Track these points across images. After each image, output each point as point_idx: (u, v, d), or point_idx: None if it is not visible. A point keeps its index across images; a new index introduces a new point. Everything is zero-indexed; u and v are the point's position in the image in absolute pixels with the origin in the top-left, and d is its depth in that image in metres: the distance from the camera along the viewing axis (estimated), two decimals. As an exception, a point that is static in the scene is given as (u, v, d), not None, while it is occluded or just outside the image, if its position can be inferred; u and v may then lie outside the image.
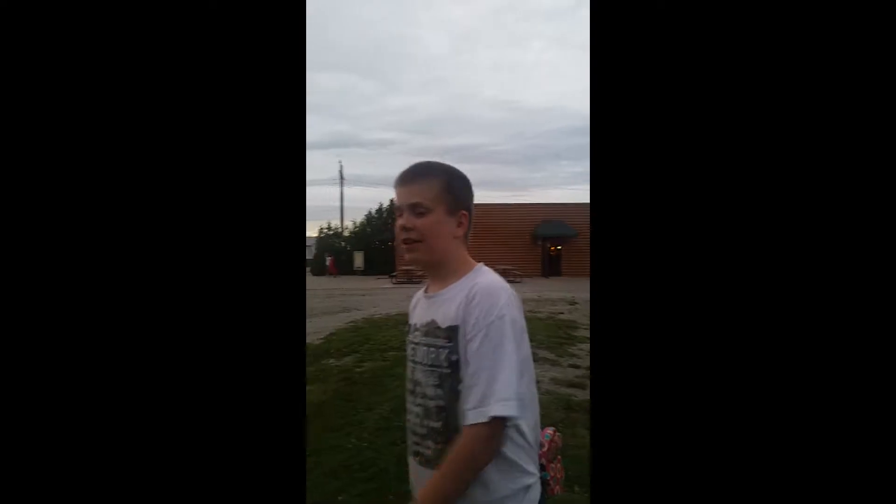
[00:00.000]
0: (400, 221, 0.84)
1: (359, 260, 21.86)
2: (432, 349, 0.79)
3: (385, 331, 6.43)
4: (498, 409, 0.69)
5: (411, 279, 16.88)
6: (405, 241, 0.83)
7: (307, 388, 3.81)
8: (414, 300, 0.94)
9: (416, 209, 0.83)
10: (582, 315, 7.92)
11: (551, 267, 19.46)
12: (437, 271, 0.86)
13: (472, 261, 0.87)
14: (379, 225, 22.41)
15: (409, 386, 0.85)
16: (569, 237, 19.56)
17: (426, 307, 0.86)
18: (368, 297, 11.66)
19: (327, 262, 21.85)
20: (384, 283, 16.67)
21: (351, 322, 7.39)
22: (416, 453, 0.82)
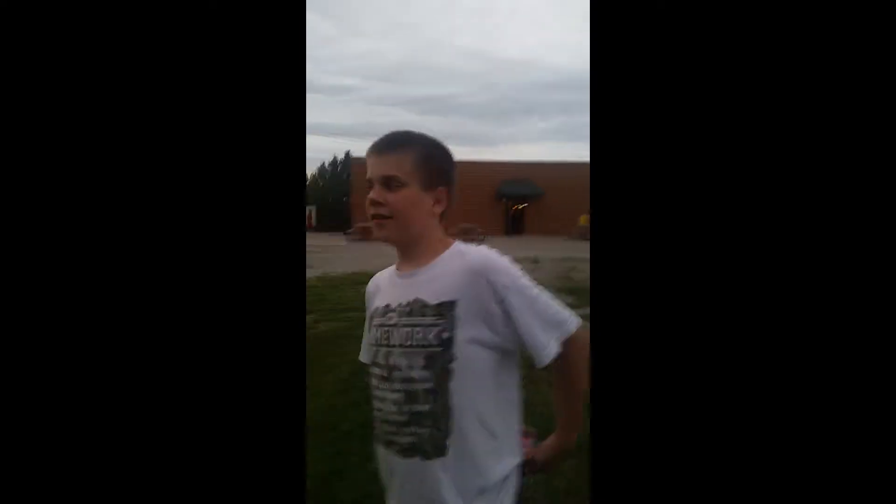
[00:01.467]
0: (371, 195, 0.77)
1: (313, 216, 20.93)
2: (418, 328, 0.74)
3: (342, 290, 6.14)
4: (572, 322, 0.74)
5: (366, 237, 16.43)
6: (374, 217, 0.77)
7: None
8: (377, 283, 0.87)
9: (390, 182, 0.76)
10: (544, 274, 7.88)
11: (514, 225, 19.56)
12: (412, 250, 0.80)
13: (448, 238, 0.82)
14: (333, 179, 21.41)
15: (379, 373, 0.78)
16: (534, 196, 19.62)
17: (403, 287, 0.79)
18: (321, 255, 11.08)
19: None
20: (338, 240, 16.14)
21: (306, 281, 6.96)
22: (392, 443, 0.75)
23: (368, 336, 0.83)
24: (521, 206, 19.97)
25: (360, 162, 20.24)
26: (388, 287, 0.83)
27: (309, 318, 4.53)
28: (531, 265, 9.29)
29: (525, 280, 0.74)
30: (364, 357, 0.87)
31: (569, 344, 0.74)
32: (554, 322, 0.73)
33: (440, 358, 0.71)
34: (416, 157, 0.76)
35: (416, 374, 0.72)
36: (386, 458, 0.77)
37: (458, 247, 0.80)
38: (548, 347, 0.72)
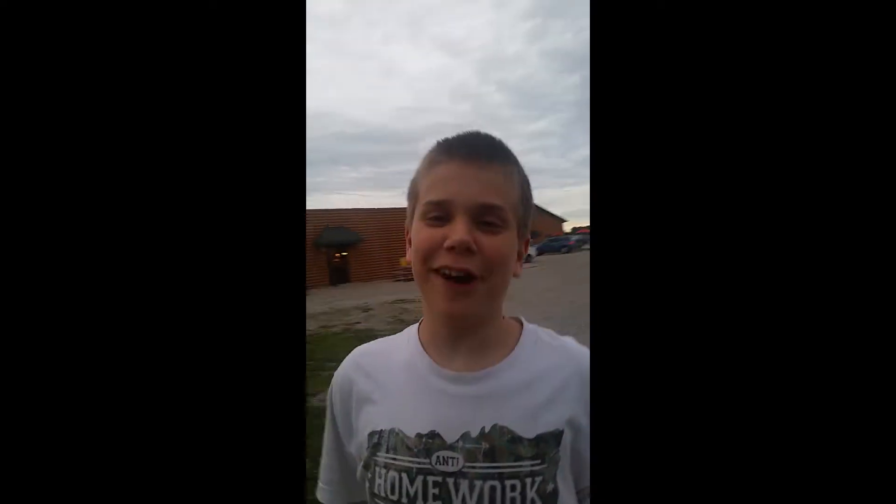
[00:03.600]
0: (458, 236, 0.45)
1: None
2: (511, 481, 0.44)
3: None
4: None
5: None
6: (457, 275, 0.45)
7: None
8: (381, 369, 0.52)
9: (490, 217, 0.46)
10: (378, 321, 7.91)
11: (338, 275, 19.15)
12: (480, 332, 0.49)
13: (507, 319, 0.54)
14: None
15: None
16: (353, 243, 19.66)
17: (467, 401, 0.47)
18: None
19: None
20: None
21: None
22: None
23: (361, 474, 0.51)
24: (342, 254, 19.84)
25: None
26: (419, 394, 0.50)
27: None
28: (363, 314, 9.28)
29: None
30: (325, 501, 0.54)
31: None
32: None
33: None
34: (518, 190, 0.50)
35: None
36: None
37: (536, 332, 0.53)
38: None
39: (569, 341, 0.53)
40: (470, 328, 0.49)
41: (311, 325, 7.49)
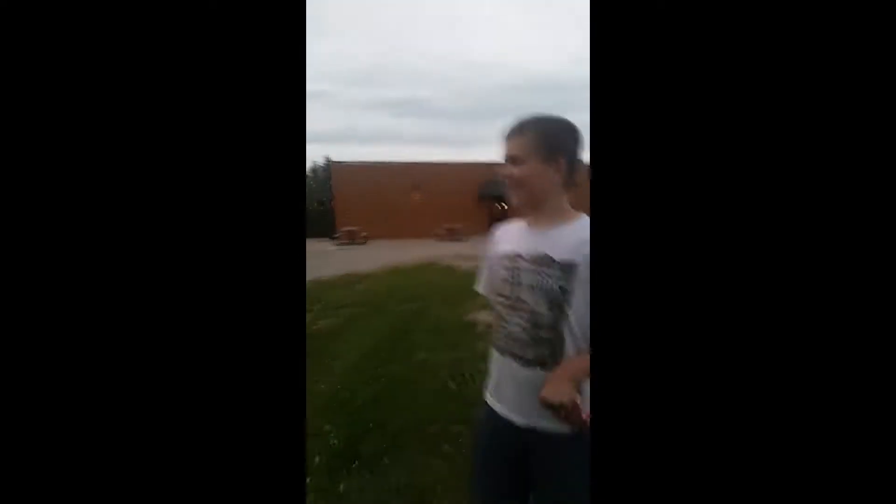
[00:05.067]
0: (502, 170, 0.96)
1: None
2: (543, 277, 0.92)
3: (335, 291, 6.35)
4: None
5: (354, 240, 16.49)
6: (509, 186, 0.95)
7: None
8: (505, 232, 1.06)
9: (514, 160, 0.94)
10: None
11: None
12: (541, 213, 0.97)
13: (576, 211, 0.97)
14: (316, 186, 21.37)
15: (505, 302, 0.99)
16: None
17: (534, 241, 0.97)
18: (311, 260, 11.26)
19: None
20: (326, 245, 16.18)
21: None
22: (516, 356, 0.96)
23: (491, 273, 1.05)
24: (504, 206, 20.34)
25: (340, 166, 20.24)
26: (517, 237, 1.01)
27: (308, 315, 4.80)
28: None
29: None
30: (482, 289, 1.09)
31: None
32: None
33: (559, 303, 0.90)
34: (532, 138, 0.92)
35: (540, 309, 0.92)
36: (503, 365, 0.98)
37: (586, 220, 0.95)
38: None
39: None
40: (533, 210, 0.99)
41: (471, 265, 8.33)
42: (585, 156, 0.92)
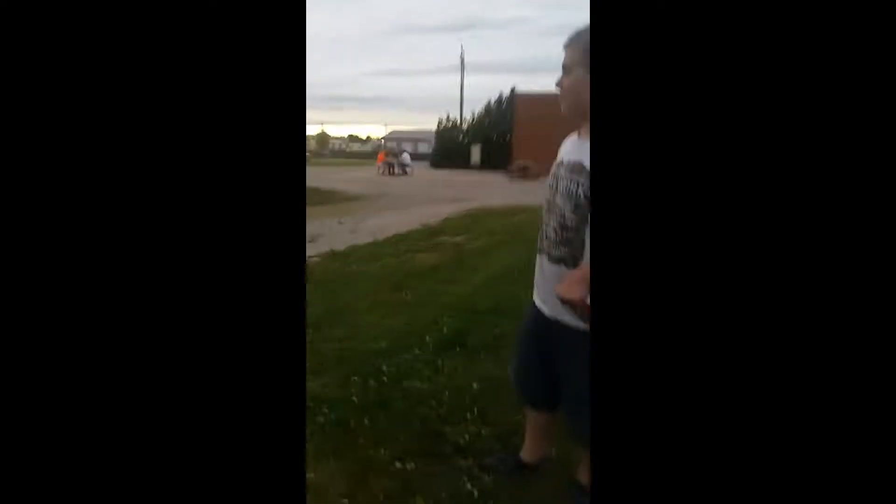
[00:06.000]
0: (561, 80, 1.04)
1: (475, 154, 21.91)
2: (574, 183, 1.01)
3: (496, 218, 6.92)
4: None
5: (525, 176, 16.46)
6: (560, 96, 1.04)
7: (424, 256, 4.53)
8: (567, 141, 1.13)
9: (565, 70, 1.02)
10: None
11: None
12: (586, 124, 1.03)
13: None
14: (498, 117, 21.69)
15: (546, 205, 1.10)
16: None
17: (577, 148, 1.03)
18: (481, 189, 12.10)
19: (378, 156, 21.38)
20: (500, 177, 16.70)
21: (465, 209, 8.01)
22: (548, 253, 1.08)
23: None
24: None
25: (524, 97, 19.85)
26: (568, 146, 1.08)
27: (465, 236, 5.53)
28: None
29: None
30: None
31: None
32: None
33: (582, 208, 0.98)
34: (580, 47, 0.97)
35: (567, 213, 1.01)
36: (540, 262, 1.11)
37: None
38: None
39: None
40: (580, 120, 1.05)
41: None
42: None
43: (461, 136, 23.62)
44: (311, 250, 4.81)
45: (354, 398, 1.84)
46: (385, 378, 2.01)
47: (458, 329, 2.52)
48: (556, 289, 0.91)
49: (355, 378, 2.00)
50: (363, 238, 5.47)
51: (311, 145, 55.93)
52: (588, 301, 0.91)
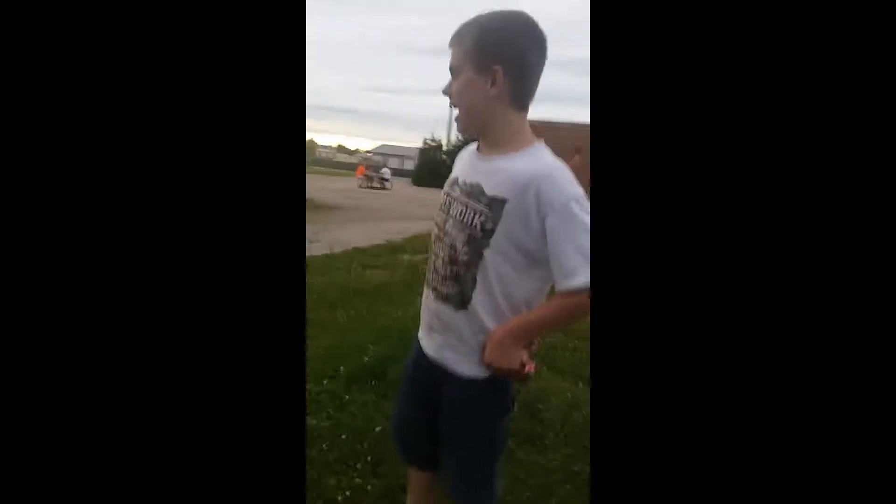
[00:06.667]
0: (448, 87, 0.83)
1: (458, 174, 21.95)
2: (469, 210, 0.81)
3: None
4: (586, 279, 0.72)
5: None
6: (451, 105, 0.83)
7: (377, 272, 4.33)
8: (465, 151, 0.93)
9: (453, 73, 0.80)
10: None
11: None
12: (486, 138, 0.84)
13: (532, 135, 0.82)
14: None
15: (436, 230, 0.88)
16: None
17: (473, 166, 0.85)
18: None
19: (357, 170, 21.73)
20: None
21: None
22: (435, 289, 0.88)
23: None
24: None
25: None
26: (465, 161, 0.89)
27: (423, 256, 5.35)
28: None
29: (580, 209, 0.73)
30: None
31: (574, 295, 0.73)
32: (578, 265, 0.72)
33: (477, 242, 0.79)
34: (468, 41, 0.76)
35: (458, 245, 0.81)
36: (428, 299, 0.90)
37: (539, 149, 0.81)
38: (575, 276, 0.72)
39: (548, 156, 0.81)
40: (478, 135, 0.87)
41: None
42: (539, 65, 0.76)
43: (443, 155, 23.83)
44: (263, 258, 4.55)
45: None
46: (279, 412, 1.77)
47: (383, 357, 2.31)
48: (487, 359, 0.81)
49: (242, 410, 1.75)
50: (322, 249, 5.24)
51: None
52: (525, 359, 0.82)
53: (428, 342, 0.92)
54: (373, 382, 2.06)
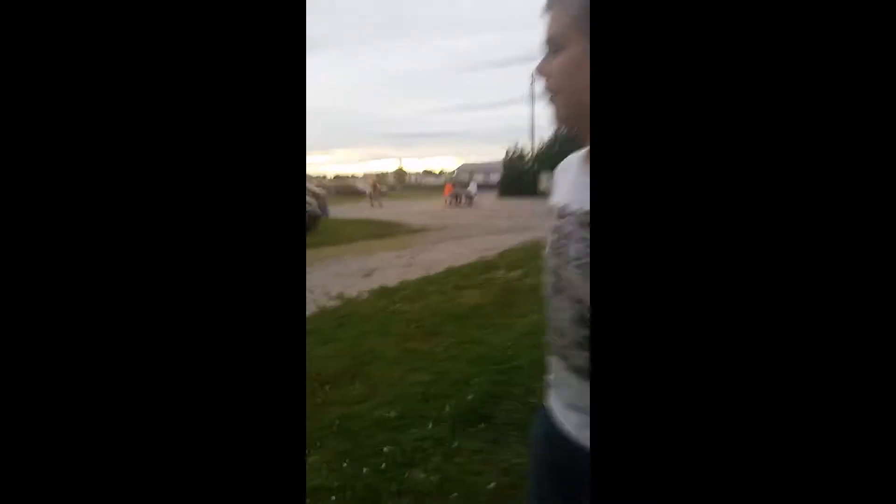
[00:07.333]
0: (540, 67, 0.61)
1: (544, 181, 21.50)
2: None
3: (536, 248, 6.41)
4: None
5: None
6: (546, 89, 0.61)
7: (470, 292, 4.17)
8: (567, 163, 0.68)
9: (551, 47, 0.60)
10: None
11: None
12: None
13: None
14: (566, 142, 21.19)
15: (552, 282, 0.65)
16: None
17: (587, 185, 0.57)
18: (544, 217, 11.56)
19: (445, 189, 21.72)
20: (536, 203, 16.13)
21: (525, 241, 7.56)
22: (565, 358, 0.65)
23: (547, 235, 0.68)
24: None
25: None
26: (573, 180, 0.65)
27: (520, 271, 5.08)
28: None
29: None
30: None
31: None
32: None
33: None
34: (576, 4, 0.57)
35: (588, 299, 0.58)
36: (556, 367, 0.69)
37: None
38: None
39: None
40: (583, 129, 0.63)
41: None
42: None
43: (529, 163, 23.30)
44: (364, 285, 4.72)
45: (334, 496, 1.46)
46: (384, 464, 1.62)
47: (486, 395, 2.09)
48: None
49: (346, 463, 1.64)
50: (417, 272, 5.27)
51: (389, 181, 60.07)
52: None
53: (566, 418, 0.69)
54: (481, 424, 1.84)
